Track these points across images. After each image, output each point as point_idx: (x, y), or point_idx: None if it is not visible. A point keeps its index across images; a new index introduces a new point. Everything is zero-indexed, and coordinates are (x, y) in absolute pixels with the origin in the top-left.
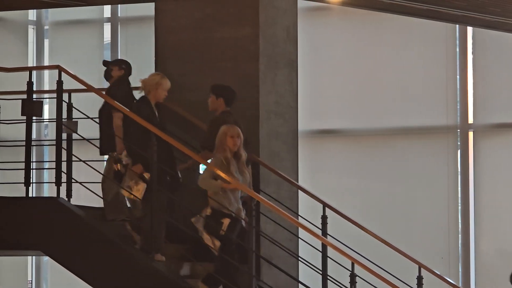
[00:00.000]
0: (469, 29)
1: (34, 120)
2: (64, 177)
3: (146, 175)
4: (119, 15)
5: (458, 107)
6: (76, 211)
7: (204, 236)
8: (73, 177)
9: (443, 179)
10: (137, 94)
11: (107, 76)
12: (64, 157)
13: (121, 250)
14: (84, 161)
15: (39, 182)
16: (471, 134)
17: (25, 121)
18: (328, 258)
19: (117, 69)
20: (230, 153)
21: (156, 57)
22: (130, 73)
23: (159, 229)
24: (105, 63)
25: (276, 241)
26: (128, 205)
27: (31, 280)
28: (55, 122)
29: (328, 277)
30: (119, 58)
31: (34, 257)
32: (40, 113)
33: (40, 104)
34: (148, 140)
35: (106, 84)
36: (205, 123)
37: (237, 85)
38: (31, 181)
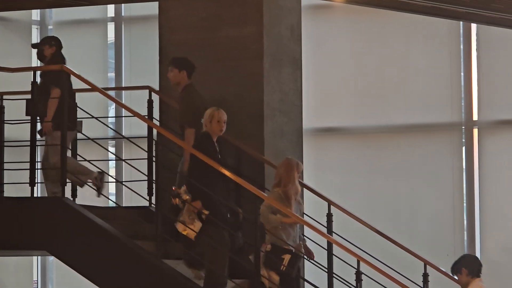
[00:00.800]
0: (473, 26)
1: (38, 121)
2: None
3: (205, 212)
4: (122, 15)
5: (463, 104)
6: (81, 211)
7: (262, 271)
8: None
9: (448, 176)
10: None
11: (41, 57)
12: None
13: (128, 249)
14: (89, 161)
15: (43, 183)
16: (475, 131)
17: (29, 121)
18: (333, 256)
19: (48, 47)
20: (293, 186)
21: (160, 56)
22: (61, 47)
23: (223, 266)
24: (33, 45)
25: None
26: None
27: (37, 281)
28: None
29: (334, 275)
30: (123, 60)
31: (39, 257)
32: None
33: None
34: (210, 177)
35: (111, 81)
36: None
37: (241, 84)
38: (36, 181)
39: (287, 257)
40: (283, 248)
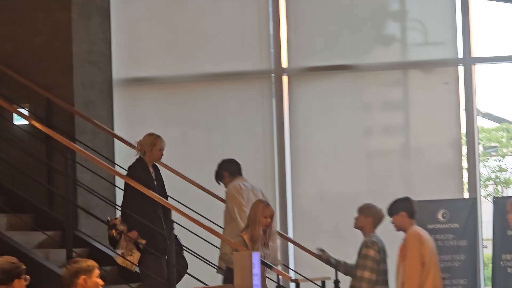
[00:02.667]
0: None
1: None
2: None
3: (142, 241)
4: None
5: (272, 51)
6: None
7: None
8: None
9: (258, 124)
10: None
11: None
12: None
13: None
14: None
15: None
16: (285, 78)
17: None
18: None
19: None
20: (260, 231)
21: None
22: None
23: None
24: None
25: (93, 190)
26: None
27: None
28: None
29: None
30: None
31: None
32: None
33: None
34: (143, 205)
35: None
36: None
37: (50, 35)
38: None
39: None
40: None
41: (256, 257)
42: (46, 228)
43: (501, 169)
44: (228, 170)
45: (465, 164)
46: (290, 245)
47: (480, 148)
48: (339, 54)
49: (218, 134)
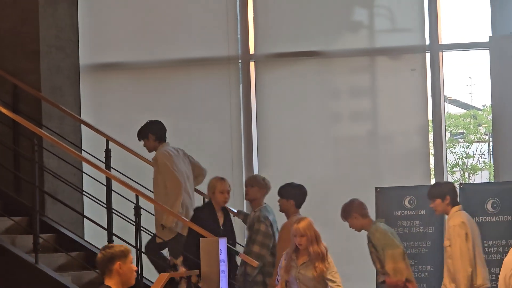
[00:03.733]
0: None
1: None
2: None
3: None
4: None
5: (239, 37)
6: None
7: None
8: None
9: (226, 111)
10: None
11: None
12: None
13: None
14: None
15: None
16: (252, 64)
17: None
18: (112, 191)
19: None
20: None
21: None
22: None
23: None
24: None
25: (60, 176)
26: None
27: None
28: None
29: (113, 211)
30: None
31: None
32: None
33: None
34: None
35: None
36: None
37: (17, 20)
38: None
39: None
40: None
41: (223, 243)
42: (13, 213)
43: (468, 156)
44: (155, 133)
45: (432, 150)
46: None
47: (447, 135)
48: (307, 40)
49: (185, 120)
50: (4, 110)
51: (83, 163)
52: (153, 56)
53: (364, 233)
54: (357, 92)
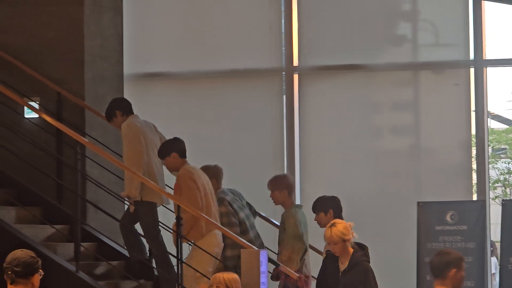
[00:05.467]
0: None
1: None
2: None
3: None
4: None
5: (283, 49)
6: None
7: None
8: None
9: (268, 122)
10: None
11: None
12: None
13: None
14: None
15: None
16: (296, 76)
17: None
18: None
19: None
20: None
21: None
22: None
23: None
24: None
25: (102, 184)
26: None
27: None
28: None
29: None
30: None
31: None
32: None
33: None
34: None
35: None
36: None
37: (62, 29)
38: None
39: None
40: None
41: (263, 255)
42: (54, 222)
43: (510, 172)
44: (121, 109)
45: (474, 165)
46: None
47: (489, 150)
48: (350, 53)
49: (228, 131)
50: (48, 118)
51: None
52: (197, 66)
53: (410, 247)
54: (399, 106)
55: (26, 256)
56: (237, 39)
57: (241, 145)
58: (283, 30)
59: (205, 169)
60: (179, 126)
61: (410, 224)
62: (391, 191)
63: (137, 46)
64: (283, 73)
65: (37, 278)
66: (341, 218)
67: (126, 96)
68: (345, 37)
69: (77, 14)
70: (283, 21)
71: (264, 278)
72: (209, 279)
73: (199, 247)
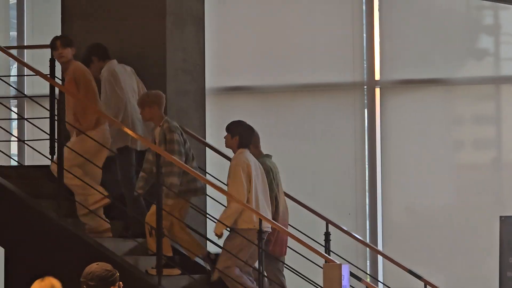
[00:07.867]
0: None
1: None
2: None
3: None
4: None
5: (365, 63)
6: None
7: None
8: None
9: (350, 136)
10: None
11: None
12: None
13: (30, 208)
14: None
15: None
16: (377, 90)
17: None
18: None
19: None
20: None
21: (62, 15)
22: None
23: None
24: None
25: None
26: None
27: None
28: None
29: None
30: (25, 19)
31: None
32: None
33: None
34: None
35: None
36: None
37: (144, 43)
38: None
39: None
40: None
41: (345, 269)
42: (136, 235)
43: None
44: (97, 54)
45: None
46: (379, 258)
47: None
48: (432, 67)
49: (309, 144)
50: (129, 132)
51: (207, 186)
52: (278, 80)
53: (492, 262)
54: (481, 120)
55: (100, 270)
56: (319, 53)
57: (322, 159)
58: (364, 44)
59: (154, 95)
60: (260, 139)
61: (492, 238)
62: (473, 205)
63: (219, 60)
64: (365, 87)
65: None
66: (248, 148)
67: (208, 110)
68: (427, 50)
69: (159, 28)
70: (364, 35)
71: None
72: None
73: None
